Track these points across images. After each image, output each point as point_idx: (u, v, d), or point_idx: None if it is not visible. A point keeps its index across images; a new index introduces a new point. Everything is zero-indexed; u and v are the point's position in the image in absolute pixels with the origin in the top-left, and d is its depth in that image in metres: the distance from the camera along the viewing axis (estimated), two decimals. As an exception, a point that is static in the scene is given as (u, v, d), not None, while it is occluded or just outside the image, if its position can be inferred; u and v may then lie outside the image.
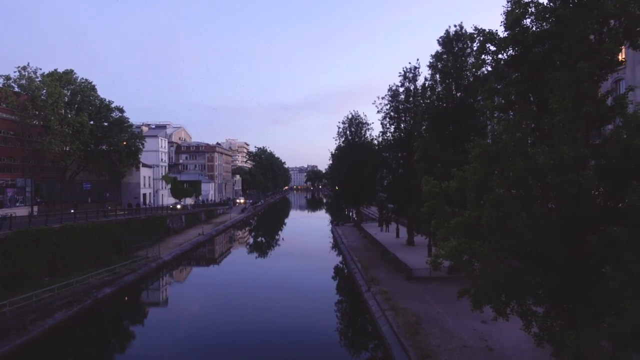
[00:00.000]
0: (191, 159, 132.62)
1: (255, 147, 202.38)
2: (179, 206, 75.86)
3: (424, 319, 24.40)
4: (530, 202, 13.99)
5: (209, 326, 28.51)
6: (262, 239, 79.17)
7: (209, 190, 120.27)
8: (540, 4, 16.24)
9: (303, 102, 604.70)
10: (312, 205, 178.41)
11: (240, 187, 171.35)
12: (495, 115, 18.00)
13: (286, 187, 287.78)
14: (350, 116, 69.76)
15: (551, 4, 16.13)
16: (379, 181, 57.11)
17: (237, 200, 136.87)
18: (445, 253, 14.78)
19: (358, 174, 62.02)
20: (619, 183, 13.61)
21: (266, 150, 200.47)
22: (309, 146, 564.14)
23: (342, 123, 70.06)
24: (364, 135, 68.54)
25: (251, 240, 76.84)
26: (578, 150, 13.14)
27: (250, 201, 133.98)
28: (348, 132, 69.53)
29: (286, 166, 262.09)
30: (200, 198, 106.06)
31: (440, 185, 16.38)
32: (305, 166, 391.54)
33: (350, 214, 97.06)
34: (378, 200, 62.19)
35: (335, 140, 71.61)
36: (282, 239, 73.41)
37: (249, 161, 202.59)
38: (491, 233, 14.19)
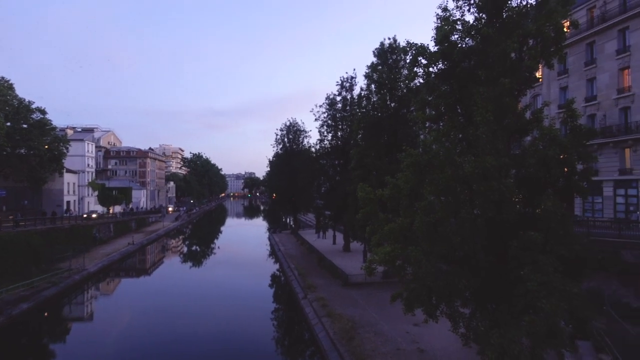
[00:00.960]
0: (121, 164, 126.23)
1: (191, 153, 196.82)
2: (94, 215, 70.42)
3: (360, 324, 24.80)
4: (458, 209, 14.71)
5: (138, 340, 27.12)
6: (197, 247, 76.87)
7: (141, 198, 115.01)
8: (466, 22, 17.25)
9: (241, 108, 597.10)
10: (250, 212, 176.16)
11: (174, 194, 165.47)
12: (427, 125, 18.84)
13: (223, 194, 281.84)
14: (288, 123, 69.85)
15: (476, 22, 17.19)
16: (316, 188, 57.58)
17: (170, 208, 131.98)
18: (379, 258, 15.15)
19: (296, 181, 62.13)
20: (536, 191, 14.70)
21: (202, 156, 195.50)
22: (247, 153, 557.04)
23: (280, 130, 69.99)
24: (302, 142, 68.86)
25: (185, 249, 74.33)
26: (500, 160, 14.05)
27: (185, 209, 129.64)
28: (286, 139, 69.52)
29: (223, 173, 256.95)
30: (130, 206, 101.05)
31: (375, 192, 16.80)
32: (243, 173, 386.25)
33: (288, 221, 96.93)
34: (315, 208, 62.62)
35: (273, 147, 71.30)
36: (218, 247, 71.73)
37: (183, 167, 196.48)
38: (423, 238, 14.75)
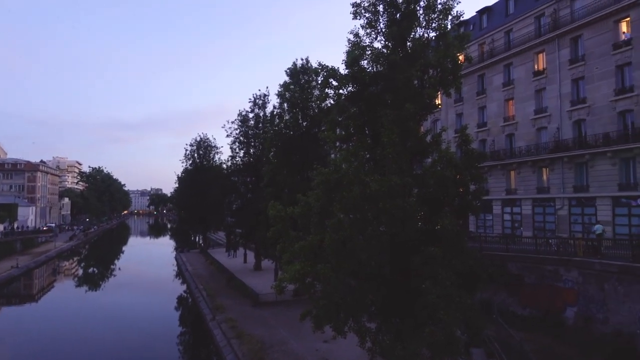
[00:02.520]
0: (5, 178, 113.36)
1: (90, 166, 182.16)
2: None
3: (269, 343, 24.43)
4: (365, 226, 15.27)
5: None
6: (95, 269, 70.90)
7: (29, 215, 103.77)
8: (375, 48, 18.23)
9: (149, 121, 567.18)
10: (155, 231, 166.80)
11: (69, 212, 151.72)
12: (337, 144, 19.44)
13: (126, 212, 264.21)
14: (199, 138, 67.92)
15: (384, 49, 18.24)
16: (227, 206, 56.29)
17: (64, 227, 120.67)
18: (289, 276, 15.15)
19: (206, 198, 60.27)
20: (435, 209, 15.77)
21: (103, 170, 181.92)
22: (154, 168, 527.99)
23: (190, 145, 67.76)
24: (213, 158, 67.25)
25: (81, 272, 68.17)
26: (404, 179, 14.89)
27: (81, 228, 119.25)
28: (196, 154, 67.43)
29: (127, 189, 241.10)
30: (16, 224, 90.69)
31: (286, 210, 16.86)
32: (149, 189, 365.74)
33: (197, 239, 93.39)
34: (226, 225, 61.11)
35: (183, 162, 68.67)
36: (119, 268, 66.78)
37: (81, 182, 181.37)
38: (332, 255, 15.04)
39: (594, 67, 33.30)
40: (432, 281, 13.40)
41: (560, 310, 23.52)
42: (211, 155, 67.57)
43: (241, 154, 47.56)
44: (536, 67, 38.56)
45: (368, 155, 17.53)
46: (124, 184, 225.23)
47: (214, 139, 74.04)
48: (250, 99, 47.02)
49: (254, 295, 34.64)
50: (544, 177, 37.80)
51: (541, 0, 38.72)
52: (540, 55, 38.26)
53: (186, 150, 67.70)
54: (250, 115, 47.03)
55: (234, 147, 47.43)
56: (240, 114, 47.34)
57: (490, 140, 42.68)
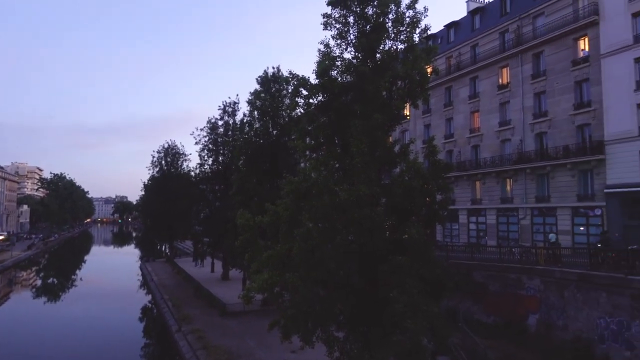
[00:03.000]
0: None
1: (52, 173, 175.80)
2: None
3: (236, 354, 24.02)
4: (334, 235, 15.29)
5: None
6: (54, 280, 68.16)
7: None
8: (345, 59, 18.40)
9: (114, 126, 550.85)
10: (120, 239, 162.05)
11: (28, 219, 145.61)
12: (307, 154, 19.46)
13: (89, 220, 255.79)
14: (166, 145, 66.63)
15: (354, 60, 18.45)
16: (195, 214, 55.34)
17: (22, 235, 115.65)
18: (257, 286, 14.97)
19: (173, 206, 59.04)
20: (403, 218, 15.96)
21: (65, 177, 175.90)
22: (119, 175, 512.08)
23: (158, 152, 66.34)
24: (181, 166, 66.05)
25: (39, 283, 65.36)
26: (372, 189, 15.02)
27: (40, 236, 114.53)
28: (164, 161, 66.06)
29: (90, 196, 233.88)
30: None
31: (255, 218, 16.71)
32: (114, 197, 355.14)
33: (164, 249, 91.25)
34: (194, 234, 59.97)
35: (149, 170, 67.07)
36: (80, 279, 64.42)
37: (41, 189, 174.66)
38: (300, 264, 14.96)
39: (554, 82, 34.69)
40: (400, 290, 13.52)
41: (523, 317, 24.14)
42: (179, 162, 66.38)
43: (210, 162, 46.99)
44: (500, 81, 39.84)
45: (337, 165, 17.60)
46: (87, 191, 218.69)
47: (183, 146, 72.56)
48: (219, 106, 46.64)
49: (221, 305, 34.05)
50: (508, 187, 38.94)
51: (505, 16, 40.16)
52: (505, 70, 39.58)
53: (153, 157, 66.29)
54: (220, 122, 46.60)
55: (203, 154, 46.84)
56: (209, 121, 46.86)
57: (456, 151, 43.70)
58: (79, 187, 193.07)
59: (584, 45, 33.28)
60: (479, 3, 46.46)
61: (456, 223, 43.43)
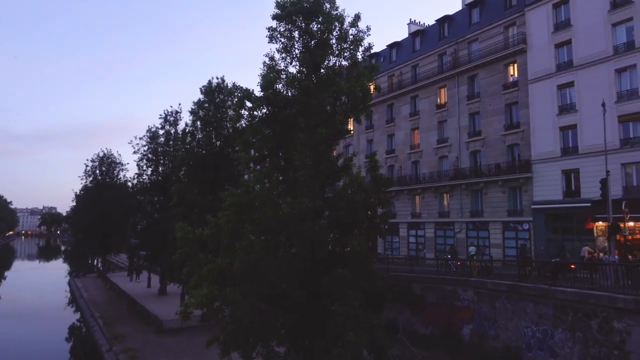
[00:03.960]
0: None
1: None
2: None
3: (173, 373, 23.03)
4: (277, 248, 15.21)
5: None
6: (-32, 298, 62.17)
7: None
8: (290, 73, 18.55)
9: (44, 133, 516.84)
10: (46, 253, 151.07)
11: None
12: (251, 166, 19.28)
13: (11, 232, 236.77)
14: (102, 154, 63.47)
15: (299, 74, 18.63)
16: (131, 226, 52.82)
17: None
18: (196, 301, 14.51)
19: (108, 218, 56.11)
20: (345, 231, 16.17)
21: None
22: (48, 185, 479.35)
23: (92, 161, 63.02)
24: (117, 176, 63.13)
25: (-50, 301, 59.34)
26: (315, 202, 15.12)
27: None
28: (98, 171, 62.84)
29: (13, 207, 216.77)
30: None
31: (195, 231, 16.26)
32: (41, 208, 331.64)
33: (96, 263, 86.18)
34: (130, 247, 57.18)
35: (82, 179, 63.48)
36: (-1, 296, 59.28)
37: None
38: (242, 278, 14.71)
39: (487, 104, 36.86)
40: (341, 302, 13.62)
41: (458, 327, 25.07)
42: (115, 172, 63.45)
43: (149, 172, 45.20)
44: (439, 100, 41.76)
45: (281, 178, 17.60)
46: (11, 202, 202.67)
47: (120, 155, 69.36)
48: (161, 115, 45.19)
49: (157, 322, 32.60)
50: (445, 202, 40.61)
51: (443, 40, 42.31)
52: (443, 90, 41.56)
53: (87, 166, 62.88)
54: (161, 131, 45.08)
55: (142, 164, 45.00)
56: (149, 130, 45.19)
57: (397, 166, 45.09)
58: (0, 196, 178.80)
59: (513, 70, 35.71)
60: (420, 26, 48.66)
61: (397, 236, 44.59)
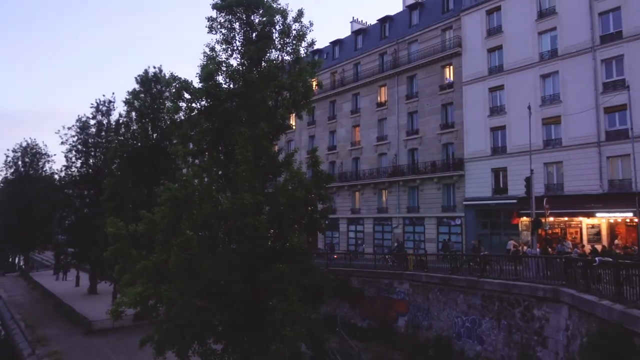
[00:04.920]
0: None
1: None
2: None
3: (103, 376, 21.95)
4: (216, 244, 14.92)
5: None
6: None
7: None
8: (231, 65, 18.19)
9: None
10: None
11: None
12: (189, 160, 18.72)
13: None
14: (25, 144, 59.00)
15: (240, 67, 18.31)
16: (58, 222, 49.56)
17: None
18: (129, 300, 13.93)
19: (30, 212, 52.32)
20: (285, 227, 16.15)
21: None
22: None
23: (14, 151, 58.41)
24: (42, 168, 58.98)
25: None
26: (256, 197, 14.97)
27: None
28: (20, 162, 58.37)
29: None
30: None
31: (128, 227, 15.57)
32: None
33: (17, 261, 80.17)
34: (56, 244, 53.70)
35: (2, 171, 58.77)
36: None
37: None
38: (178, 275, 14.29)
39: (425, 104, 38.20)
40: (280, 298, 13.62)
41: (394, 319, 25.88)
42: (40, 163, 59.22)
43: (78, 164, 42.61)
44: (379, 98, 42.70)
45: (221, 172, 17.27)
46: None
47: (45, 146, 64.66)
48: (92, 104, 42.74)
49: (86, 323, 30.91)
50: (384, 198, 41.69)
51: (384, 40, 43.26)
52: (383, 89, 42.53)
53: (7, 156, 58.28)
54: (92, 122, 42.62)
55: (70, 156, 42.34)
56: (79, 120, 42.58)
57: (339, 162, 45.64)
58: None
59: (449, 72, 37.22)
60: (362, 25, 49.40)
61: (337, 231, 45.19)
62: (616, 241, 25.25)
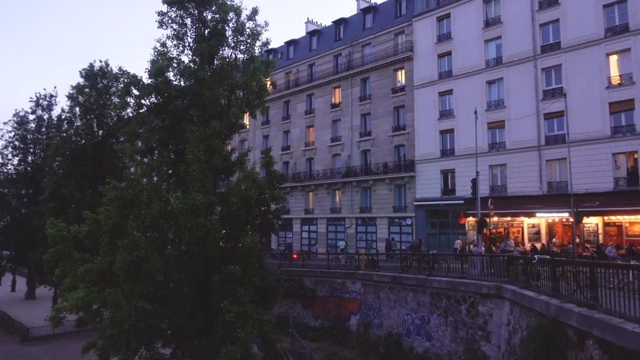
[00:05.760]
0: None
1: None
2: None
3: (41, 386, 20.77)
4: (164, 245, 14.49)
5: None
6: None
7: None
8: (182, 61, 17.74)
9: None
10: None
11: None
12: (138, 158, 18.06)
13: None
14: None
15: (192, 64, 17.89)
16: (-9, 223, 46.41)
17: None
18: (70, 305, 13.27)
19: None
20: (238, 227, 15.94)
21: None
22: None
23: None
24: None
25: None
26: (208, 197, 14.67)
27: None
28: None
29: None
30: None
31: (70, 228, 14.82)
32: None
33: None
34: (-11, 247, 50.21)
35: None
36: None
37: None
38: (124, 278, 13.74)
39: (378, 106, 38.89)
40: (232, 300, 13.41)
41: (346, 319, 26.17)
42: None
43: (15, 162, 40.19)
44: (333, 100, 43.04)
45: (171, 171, 16.79)
46: None
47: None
48: (32, 98, 40.40)
49: (22, 330, 29.15)
50: (337, 198, 42.06)
51: (339, 42, 43.67)
52: (337, 90, 42.91)
53: None
54: (31, 116, 40.33)
55: (6, 152, 39.87)
56: (17, 114, 40.13)
57: (292, 162, 45.58)
58: None
59: (401, 76, 38.11)
60: (317, 26, 49.62)
61: (290, 231, 45.11)
62: (554, 240, 26.77)
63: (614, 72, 26.32)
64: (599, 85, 26.35)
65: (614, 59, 26.47)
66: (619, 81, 25.98)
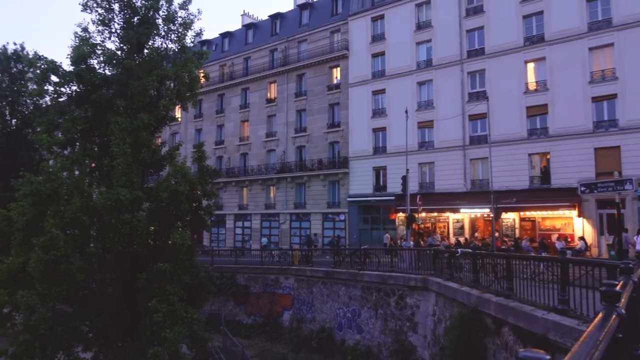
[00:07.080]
0: None
1: None
2: None
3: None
4: (86, 243, 13.66)
5: None
6: None
7: None
8: (108, 49, 16.75)
9: None
10: None
11: None
12: (57, 150, 16.82)
13: None
14: None
15: (119, 52, 16.94)
16: None
17: None
18: (-24, 309, 12.12)
19: None
20: (167, 223, 15.38)
21: None
22: None
23: None
24: None
25: None
26: (134, 192, 14.01)
27: None
28: None
29: None
30: None
31: (-24, 226, 13.53)
32: None
33: None
34: None
35: None
36: None
37: None
38: (39, 279, 12.79)
39: (313, 103, 39.14)
40: (160, 299, 12.93)
41: (279, 314, 26.17)
42: None
43: None
44: (269, 95, 42.72)
45: (94, 165, 15.83)
46: None
47: None
48: None
49: None
50: (272, 194, 41.87)
51: (275, 36, 43.36)
52: (273, 85, 42.62)
53: None
54: None
55: None
56: None
57: (226, 157, 44.72)
58: None
59: (337, 74, 38.61)
60: (253, 19, 48.91)
61: (223, 228, 44.26)
62: (476, 234, 28.51)
63: (531, 79, 28.42)
64: (517, 90, 28.32)
65: (531, 66, 28.55)
66: (535, 87, 28.08)
